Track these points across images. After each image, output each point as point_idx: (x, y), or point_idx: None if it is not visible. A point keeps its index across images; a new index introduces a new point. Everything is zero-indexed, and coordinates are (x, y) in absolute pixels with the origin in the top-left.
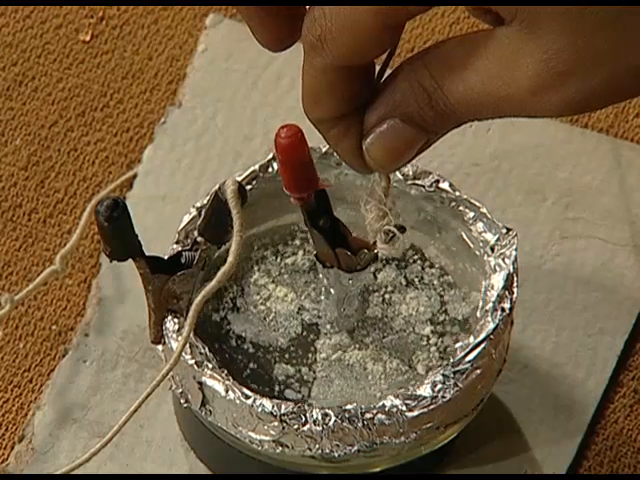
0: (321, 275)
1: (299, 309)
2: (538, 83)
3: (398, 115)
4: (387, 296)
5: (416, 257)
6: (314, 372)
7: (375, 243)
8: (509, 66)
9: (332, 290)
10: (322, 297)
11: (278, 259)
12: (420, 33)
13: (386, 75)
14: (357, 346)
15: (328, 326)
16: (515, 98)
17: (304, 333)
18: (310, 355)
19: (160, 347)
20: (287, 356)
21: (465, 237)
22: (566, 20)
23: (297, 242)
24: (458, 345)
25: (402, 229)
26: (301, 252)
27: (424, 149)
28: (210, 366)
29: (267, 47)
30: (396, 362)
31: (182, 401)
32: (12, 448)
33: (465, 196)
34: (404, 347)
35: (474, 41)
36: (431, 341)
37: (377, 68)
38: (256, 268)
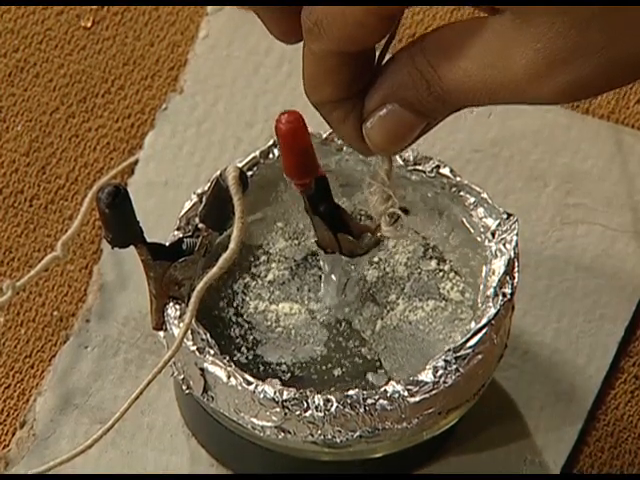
0: (322, 262)
1: (311, 314)
2: (532, 71)
3: (397, 100)
4: (372, 257)
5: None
6: (374, 350)
7: (379, 226)
8: (503, 55)
9: (333, 277)
10: (322, 285)
11: (260, 281)
12: (421, 19)
13: (386, 60)
14: (388, 308)
15: (346, 309)
16: (510, 86)
17: (334, 330)
18: (357, 337)
19: (162, 333)
20: (341, 352)
21: (466, 222)
22: (559, 9)
23: (264, 258)
24: (459, 331)
25: (406, 211)
26: (274, 265)
27: (424, 132)
28: (212, 352)
29: (281, 39)
30: (431, 302)
31: (184, 387)
32: (13, 434)
33: (466, 181)
34: (427, 287)
35: (470, 29)
36: (445, 268)
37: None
38: (247, 298)
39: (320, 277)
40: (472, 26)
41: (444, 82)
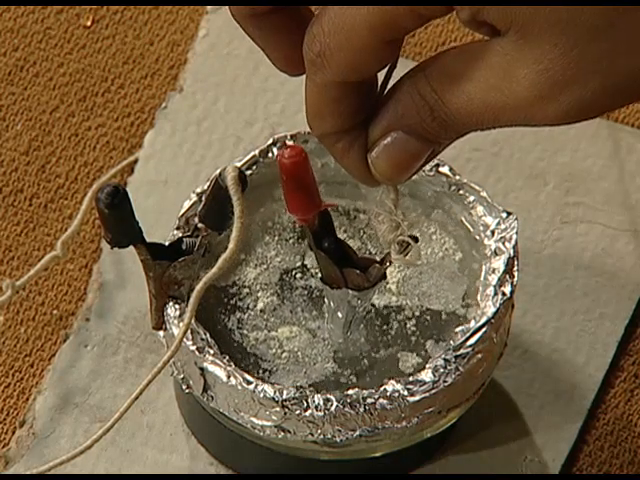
0: (326, 299)
1: (312, 332)
2: (535, 93)
3: (401, 127)
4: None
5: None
6: (415, 305)
7: (388, 255)
8: (506, 77)
9: (339, 314)
10: (326, 323)
11: (252, 312)
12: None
13: (388, 88)
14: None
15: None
16: (514, 109)
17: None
18: (392, 309)
19: (161, 333)
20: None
21: (465, 221)
22: (560, 30)
23: (246, 291)
24: (459, 329)
25: (416, 239)
26: (260, 293)
27: (430, 159)
28: (211, 352)
29: (285, 71)
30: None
31: (184, 387)
32: (13, 433)
33: (465, 180)
34: None
35: (472, 52)
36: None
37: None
38: (245, 331)
39: (308, 294)
40: (474, 49)
41: (448, 107)
